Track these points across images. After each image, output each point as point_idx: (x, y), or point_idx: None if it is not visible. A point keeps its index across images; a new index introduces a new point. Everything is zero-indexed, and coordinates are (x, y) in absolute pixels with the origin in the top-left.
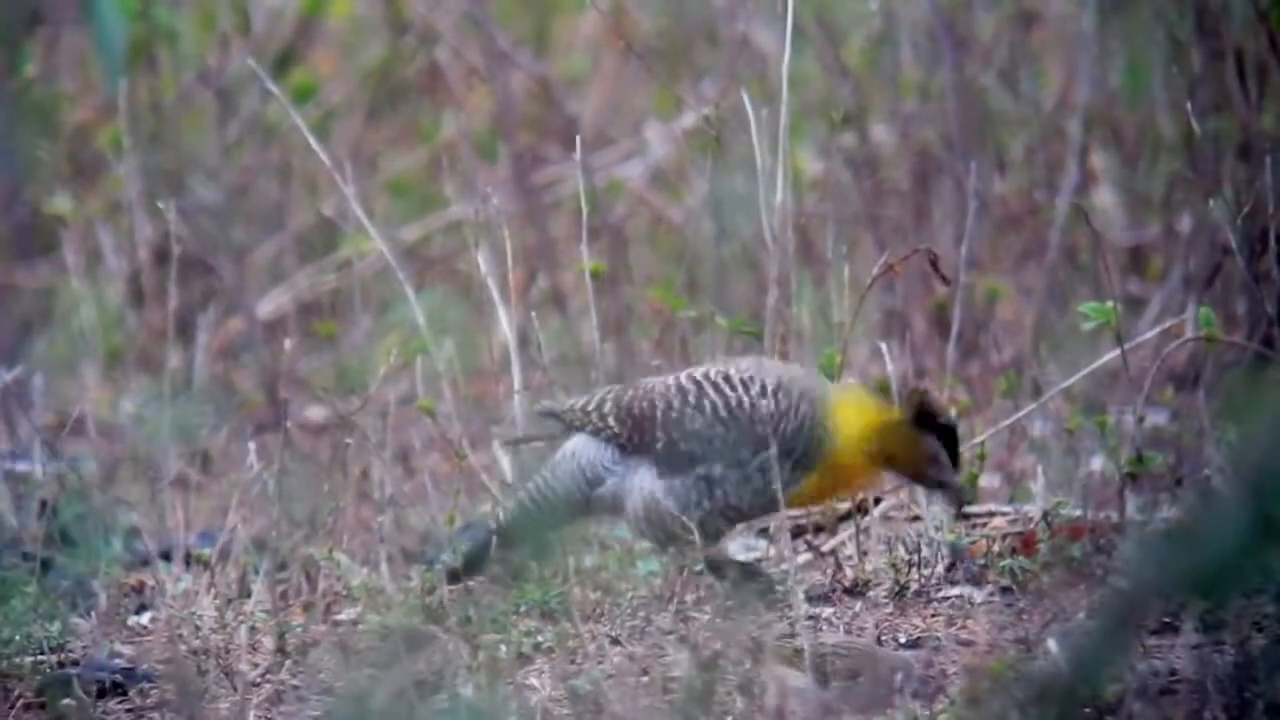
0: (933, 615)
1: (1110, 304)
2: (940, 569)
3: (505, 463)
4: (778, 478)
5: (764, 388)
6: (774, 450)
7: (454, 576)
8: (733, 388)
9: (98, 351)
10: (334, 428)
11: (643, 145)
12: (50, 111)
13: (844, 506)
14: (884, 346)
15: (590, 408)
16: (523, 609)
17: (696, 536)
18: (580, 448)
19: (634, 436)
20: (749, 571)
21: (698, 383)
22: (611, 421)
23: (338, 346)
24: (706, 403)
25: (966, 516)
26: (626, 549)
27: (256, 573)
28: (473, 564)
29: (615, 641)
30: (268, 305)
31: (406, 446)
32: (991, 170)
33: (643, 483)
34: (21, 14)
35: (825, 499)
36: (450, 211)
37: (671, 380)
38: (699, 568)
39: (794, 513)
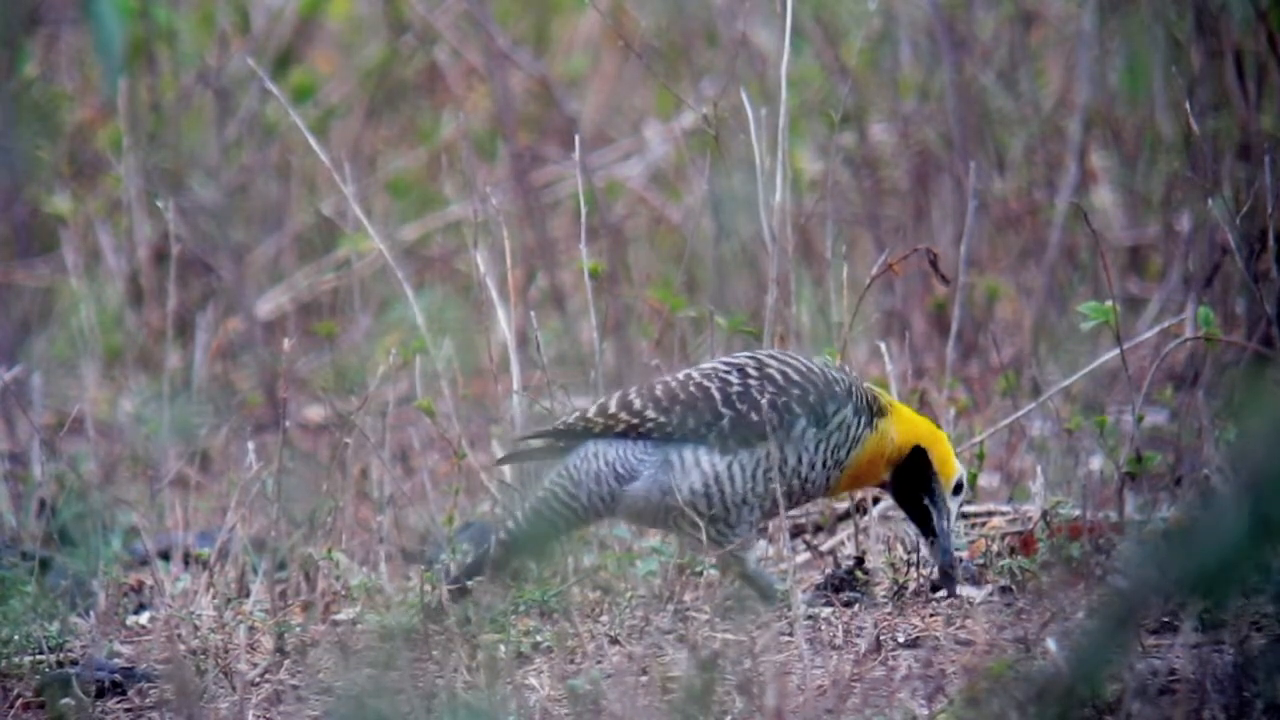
0: (932, 615)
1: (1109, 303)
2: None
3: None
4: (853, 430)
5: (811, 360)
6: (849, 408)
7: (455, 582)
8: (792, 358)
9: (97, 351)
10: (333, 427)
11: (642, 145)
12: (50, 111)
13: (843, 506)
14: (883, 346)
15: (611, 410)
16: (522, 608)
17: (753, 516)
18: (601, 449)
19: (686, 421)
20: (757, 574)
21: (754, 359)
22: (651, 413)
23: (337, 346)
24: (773, 372)
25: (951, 592)
26: (626, 549)
27: (255, 572)
28: (473, 573)
29: (614, 641)
30: (267, 305)
31: (405, 446)
32: (991, 170)
33: (700, 465)
34: (21, 14)
35: (865, 478)
36: (449, 211)
37: (708, 366)
38: (711, 562)
39: (793, 511)
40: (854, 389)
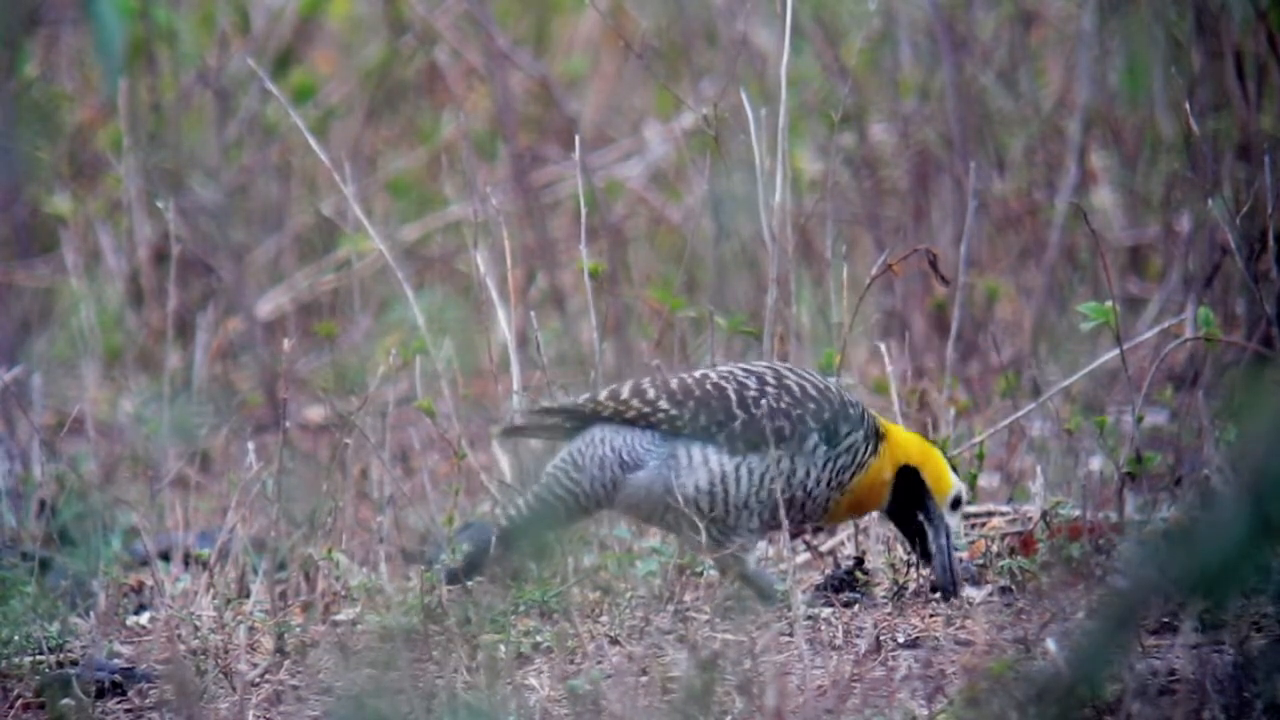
0: (931, 615)
1: (1109, 304)
2: None
3: (504, 462)
4: (860, 452)
5: (827, 380)
6: (860, 432)
7: (453, 577)
8: (810, 374)
9: (97, 351)
10: (333, 428)
11: (642, 145)
12: (50, 111)
13: None
14: (883, 346)
15: (624, 396)
16: (522, 609)
17: (753, 523)
18: (608, 434)
19: (698, 417)
20: (757, 575)
21: (773, 369)
22: (664, 404)
23: (337, 346)
24: (791, 384)
25: (948, 597)
26: (626, 549)
27: (255, 573)
28: (473, 565)
29: (614, 641)
30: (267, 305)
31: (406, 446)
32: (991, 170)
33: (708, 463)
34: (21, 14)
35: (866, 504)
36: (450, 211)
37: (724, 369)
38: (710, 562)
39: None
40: (865, 414)
